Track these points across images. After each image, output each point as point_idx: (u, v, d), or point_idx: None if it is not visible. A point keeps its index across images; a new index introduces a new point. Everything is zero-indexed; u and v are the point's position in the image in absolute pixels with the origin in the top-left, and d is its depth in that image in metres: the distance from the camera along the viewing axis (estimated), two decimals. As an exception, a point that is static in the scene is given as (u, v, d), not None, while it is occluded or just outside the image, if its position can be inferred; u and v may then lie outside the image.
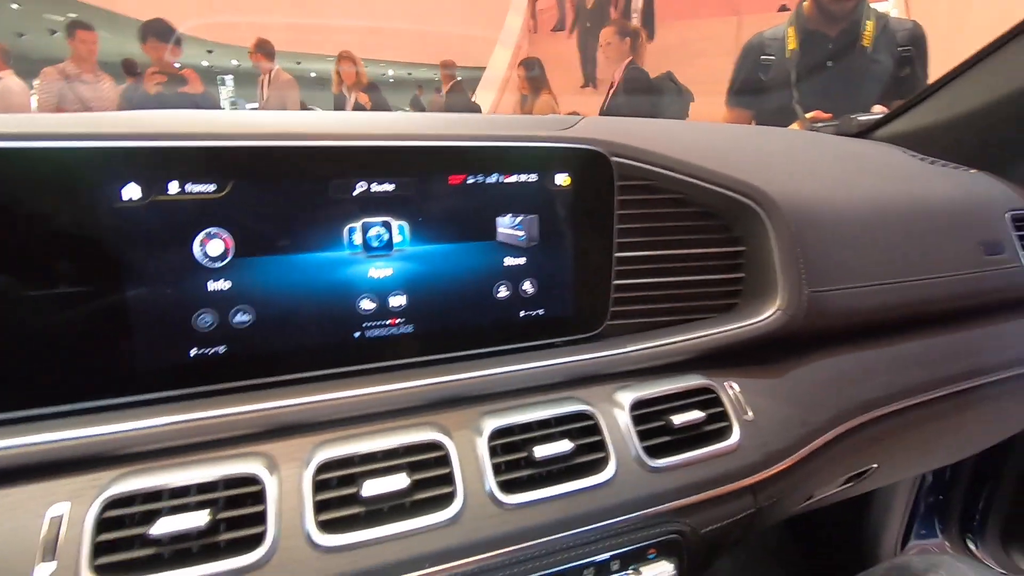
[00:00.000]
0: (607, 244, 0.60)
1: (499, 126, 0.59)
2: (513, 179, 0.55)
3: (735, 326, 0.62)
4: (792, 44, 1.98)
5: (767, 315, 0.62)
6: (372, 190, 0.51)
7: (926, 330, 0.74)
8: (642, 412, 0.55)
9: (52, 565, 0.38)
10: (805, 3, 1.93)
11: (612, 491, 0.51)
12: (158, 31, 2.34)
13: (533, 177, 0.56)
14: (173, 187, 0.45)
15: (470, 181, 0.54)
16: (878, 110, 1.74)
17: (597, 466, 0.52)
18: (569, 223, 0.58)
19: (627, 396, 0.56)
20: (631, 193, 0.61)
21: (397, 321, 0.53)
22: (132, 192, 0.44)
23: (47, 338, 0.44)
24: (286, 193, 0.48)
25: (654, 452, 0.54)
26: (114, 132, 0.45)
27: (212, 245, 0.47)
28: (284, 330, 0.50)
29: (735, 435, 0.57)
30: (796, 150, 0.81)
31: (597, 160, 0.58)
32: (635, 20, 6.19)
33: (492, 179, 0.55)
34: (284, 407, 0.48)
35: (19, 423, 0.43)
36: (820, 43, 1.91)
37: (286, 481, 0.44)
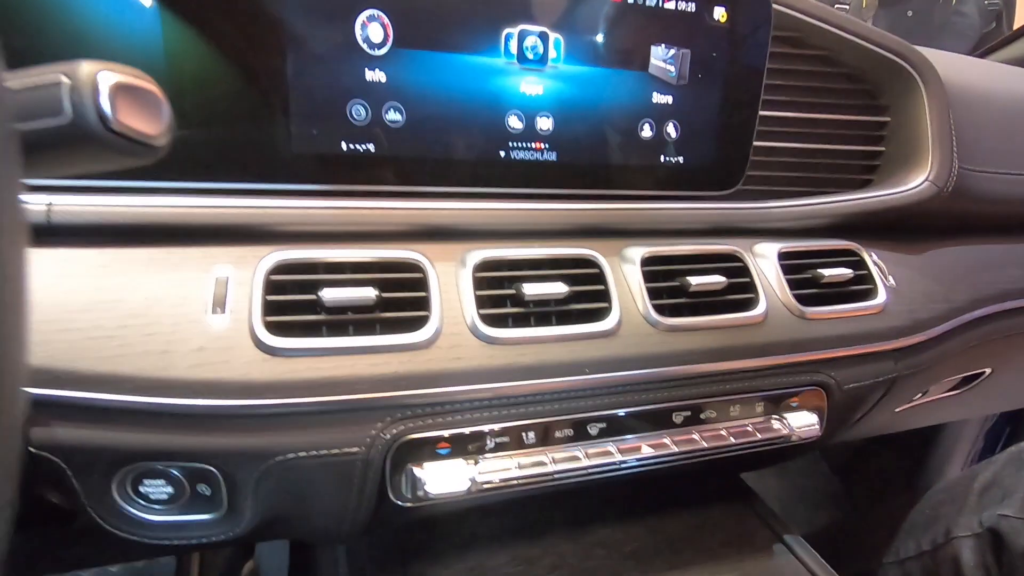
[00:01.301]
0: (755, 94, 0.57)
1: None
2: (672, 4, 0.52)
3: (881, 193, 0.58)
4: (870, -7, 1.89)
5: (916, 184, 0.58)
6: (538, -4, 0.48)
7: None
8: (788, 263, 0.53)
9: (225, 317, 0.36)
10: (889, -52, 1.84)
11: (763, 331, 0.49)
12: None
13: (691, 6, 0.53)
14: (342, -45, 0.42)
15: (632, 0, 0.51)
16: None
17: (749, 304, 0.49)
18: (720, 65, 0.55)
19: (772, 247, 0.54)
20: (780, 46, 0.57)
21: (542, 145, 0.51)
22: (301, -46, 0.41)
23: (206, 109, 0.41)
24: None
25: (803, 301, 0.51)
26: None
27: (372, 29, 0.44)
28: (433, 136, 0.47)
29: (881, 297, 0.54)
30: (933, 51, 0.76)
31: (757, -1, 0.54)
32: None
33: (652, 1, 0.51)
34: (436, 208, 0.46)
35: (179, 193, 0.41)
36: (901, -8, 1.83)
37: (444, 275, 0.43)
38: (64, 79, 0.18)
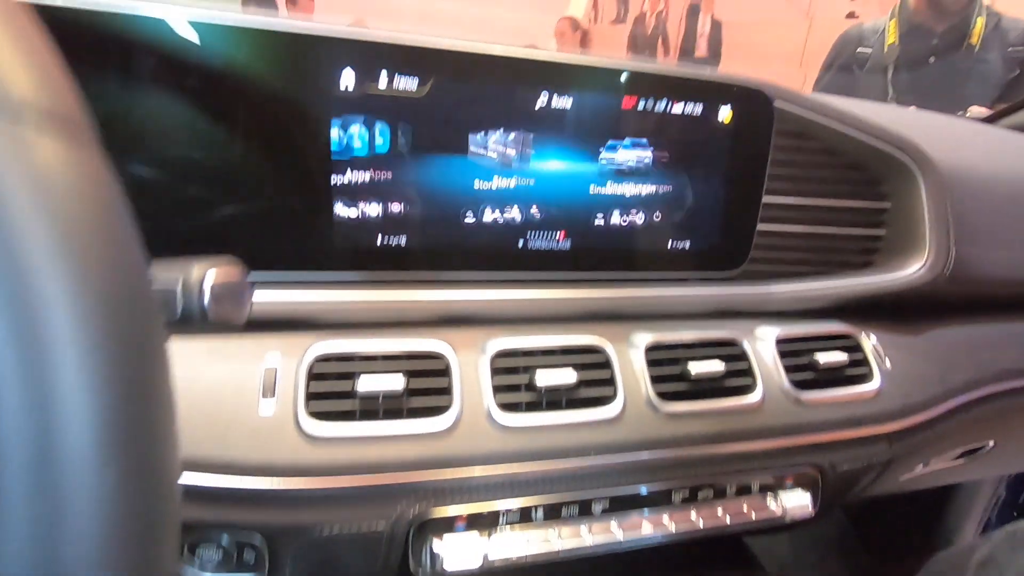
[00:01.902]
0: (758, 185, 0.61)
1: (656, 66, 0.60)
2: (679, 109, 0.57)
3: (879, 278, 0.62)
4: (892, 38, 1.91)
5: (913, 270, 0.62)
6: (553, 104, 0.53)
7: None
8: (786, 348, 0.56)
9: (273, 402, 0.42)
10: (912, -5, 1.86)
11: (760, 416, 0.52)
12: None
13: (698, 109, 0.57)
14: (383, 79, 0.48)
15: (640, 106, 0.55)
16: (976, 111, 1.68)
17: (746, 390, 0.53)
18: (726, 159, 0.59)
19: (771, 331, 0.57)
20: (783, 138, 0.61)
21: (555, 234, 0.55)
22: (347, 79, 0.47)
23: (259, 207, 0.47)
24: (478, 97, 0.51)
25: (799, 386, 0.55)
26: (335, 27, 0.48)
27: (403, 139, 0.50)
28: (459, 228, 0.52)
29: (876, 381, 0.57)
30: (939, 123, 0.79)
31: (760, 99, 0.59)
32: (702, 45, 5.88)
33: (660, 106, 0.56)
34: (461, 299, 0.51)
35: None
36: (923, 38, 1.84)
37: (465, 363, 0.47)
38: (179, 286, 0.23)
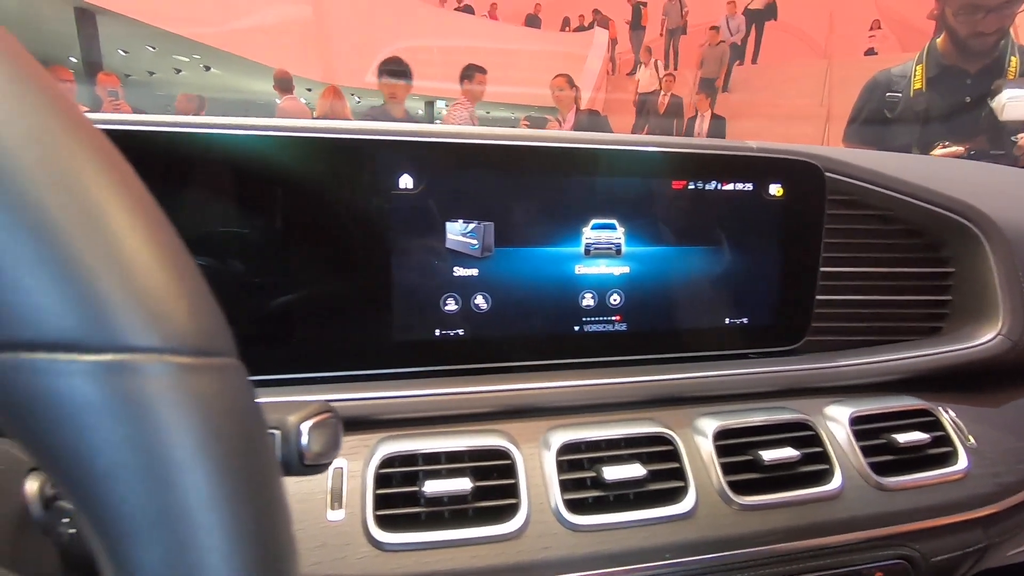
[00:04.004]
0: (814, 257, 0.60)
1: (705, 145, 0.61)
2: (730, 187, 0.57)
3: (952, 348, 0.59)
4: (918, 83, 1.91)
5: (987, 339, 0.59)
6: (604, 190, 0.53)
7: None
8: (861, 428, 0.54)
9: (341, 513, 0.41)
10: (939, 39, 1.86)
11: (840, 505, 0.49)
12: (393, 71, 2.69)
13: (749, 186, 0.57)
14: (438, 178, 0.49)
15: (691, 187, 0.56)
16: (1025, 142, 1.65)
17: (823, 477, 0.50)
18: (779, 234, 0.58)
19: (843, 410, 0.55)
20: (837, 208, 0.61)
21: (614, 319, 0.55)
22: (406, 181, 0.49)
23: (323, 308, 0.48)
24: (530, 189, 0.52)
25: (879, 470, 0.51)
26: (392, 129, 0.50)
27: (464, 236, 0.51)
28: (516, 318, 0.53)
29: (962, 461, 0.54)
30: (990, 175, 0.77)
31: (812, 172, 0.58)
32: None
33: (711, 186, 0.56)
34: (521, 390, 0.50)
35: (298, 384, 0.47)
36: (957, 79, 1.83)
37: (530, 458, 0.46)
38: (278, 432, 0.23)
